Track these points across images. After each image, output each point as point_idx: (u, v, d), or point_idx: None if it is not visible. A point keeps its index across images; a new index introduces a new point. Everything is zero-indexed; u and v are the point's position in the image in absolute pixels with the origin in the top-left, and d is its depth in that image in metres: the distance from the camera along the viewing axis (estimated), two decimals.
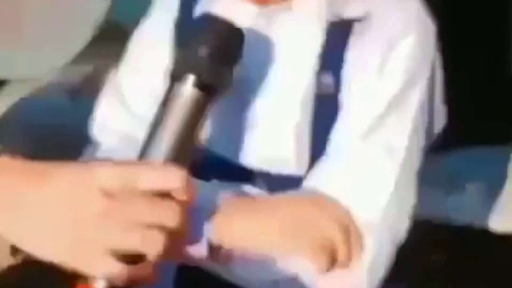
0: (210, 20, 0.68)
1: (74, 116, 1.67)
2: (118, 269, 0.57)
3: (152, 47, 0.83)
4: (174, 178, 0.58)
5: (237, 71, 0.67)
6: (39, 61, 1.83)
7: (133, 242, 0.57)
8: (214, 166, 0.79)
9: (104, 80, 1.69)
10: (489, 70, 1.49)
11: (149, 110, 0.80)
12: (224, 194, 0.71)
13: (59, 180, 0.57)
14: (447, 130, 0.86)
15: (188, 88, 0.64)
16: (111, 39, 2.05)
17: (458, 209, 1.38)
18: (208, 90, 0.65)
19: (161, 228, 0.57)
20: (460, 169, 1.42)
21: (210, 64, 0.65)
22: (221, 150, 0.79)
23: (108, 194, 0.56)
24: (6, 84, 1.78)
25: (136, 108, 0.82)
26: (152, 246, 0.57)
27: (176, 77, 0.65)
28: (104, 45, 1.92)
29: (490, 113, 1.49)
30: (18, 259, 1.88)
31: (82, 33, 1.90)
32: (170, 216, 0.57)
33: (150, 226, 0.57)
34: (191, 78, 0.64)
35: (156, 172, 0.59)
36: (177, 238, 0.59)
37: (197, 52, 0.65)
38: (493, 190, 1.39)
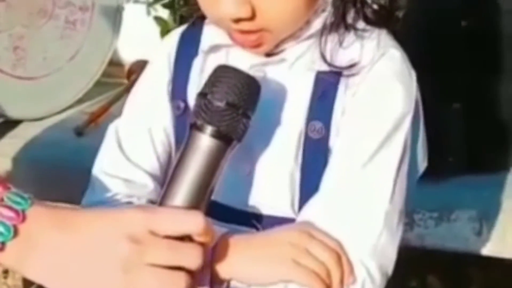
0: (227, 71, 0.70)
1: (79, 154, 1.72)
2: None
3: (149, 98, 0.87)
4: (194, 223, 0.64)
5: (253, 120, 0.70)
6: (50, 102, 1.89)
7: (157, 284, 0.62)
8: (212, 207, 0.81)
9: (107, 119, 1.75)
10: (479, 99, 1.52)
11: (145, 158, 0.85)
12: (220, 230, 0.75)
13: (87, 227, 0.63)
14: (439, 158, 0.89)
15: (206, 138, 0.68)
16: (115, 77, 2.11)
17: (450, 236, 1.40)
18: (226, 140, 0.68)
19: (183, 269, 0.63)
20: (451, 196, 1.43)
21: (228, 116, 0.68)
22: (218, 193, 0.81)
23: (133, 239, 0.61)
24: (20, 124, 1.83)
25: (133, 156, 0.86)
26: (175, 286, 0.62)
27: (195, 126, 0.68)
28: (108, 85, 1.98)
29: (481, 141, 1.51)
30: None
31: (90, 73, 1.96)
32: (191, 258, 0.63)
33: (173, 268, 0.62)
34: (209, 129, 0.68)
35: (177, 217, 0.64)
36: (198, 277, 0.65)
37: (216, 103, 0.68)
38: (485, 218, 1.41)
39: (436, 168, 0.90)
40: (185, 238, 0.64)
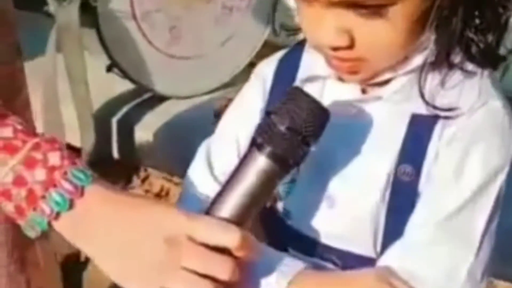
0: (298, 95, 0.68)
1: None
2: None
3: (241, 122, 0.87)
4: (230, 237, 0.65)
5: (315, 149, 0.68)
6: (197, 83, 1.97)
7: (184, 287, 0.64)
8: (292, 237, 0.83)
9: None
10: None
11: None
12: (299, 265, 0.75)
13: (135, 216, 0.66)
14: None
15: (262, 158, 0.67)
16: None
17: None
18: (281, 164, 0.67)
19: (212, 279, 0.64)
20: None
21: (287, 140, 0.66)
22: (299, 224, 0.83)
23: (169, 241, 0.64)
24: (166, 101, 1.93)
25: (220, 174, 0.86)
26: None
27: (255, 143, 0.67)
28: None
29: None
30: None
31: (239, 60, 2.01)
32: (221, 269, 0.65)
33: (203, 276, 0.64)
34: (266, 149, 0.66)
35: (215, 228, 0.66)
36: None
37: (277, 125, 0.67)
38: None
39: None
40: (226, 251, 0.64)
